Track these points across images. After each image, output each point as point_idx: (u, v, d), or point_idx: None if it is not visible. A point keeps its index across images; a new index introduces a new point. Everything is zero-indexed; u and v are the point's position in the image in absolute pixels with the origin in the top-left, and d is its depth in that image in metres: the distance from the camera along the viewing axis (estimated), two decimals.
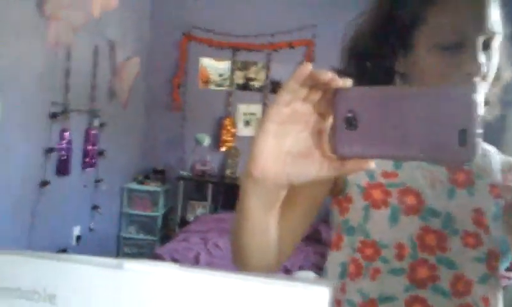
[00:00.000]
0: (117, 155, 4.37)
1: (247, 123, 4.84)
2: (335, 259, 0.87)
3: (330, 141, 0.50)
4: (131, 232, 4.69)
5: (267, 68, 4.78)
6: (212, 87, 4.90)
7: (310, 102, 0.49)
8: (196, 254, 2.82)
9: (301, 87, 0.48)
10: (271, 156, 0.50)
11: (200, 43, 4.83)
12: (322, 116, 0.50)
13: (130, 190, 4.66)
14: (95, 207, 4.01)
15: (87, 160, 3.72)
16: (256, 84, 4.82)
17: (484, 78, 0.72)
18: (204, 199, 4.69)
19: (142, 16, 4.77)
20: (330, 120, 0.50)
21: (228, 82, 4.86)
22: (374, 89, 0.48)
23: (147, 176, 4.75)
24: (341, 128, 0.48)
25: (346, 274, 0.84)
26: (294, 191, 0.56)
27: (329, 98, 0.48)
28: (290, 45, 4.66)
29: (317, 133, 0.51)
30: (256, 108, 4.81)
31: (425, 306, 0.77)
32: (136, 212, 4.65)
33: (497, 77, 0.79)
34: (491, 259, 0.79)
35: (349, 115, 0.47)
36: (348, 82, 0.47)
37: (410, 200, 0.80)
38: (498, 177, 0.84)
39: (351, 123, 0.47)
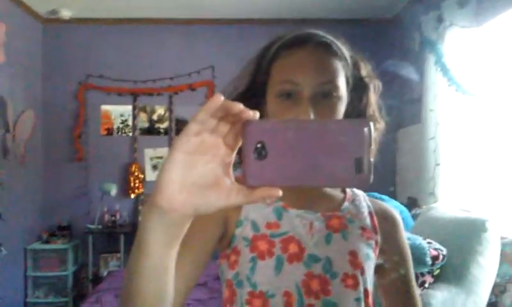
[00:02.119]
0: (16, 215, 4.09)
1: (155, 168, 4.77)
2: None
3: (237, 170, 0.53)
4: (39, 296, 4.36)
5: (169, 111, 4.78)
6: (115, 134, 4.78)
7: (218, 134, 0.51)
8: None
9: (210, 118, 0.49)
10: (178, 186, 0.50)
11: (99, 91, 4.71)
12: (229, 147, 0.52)
13: (35, 251, 4.35)
14: None
15: None
16: (161, 126, 4.79)
17: None
18: (117, 251, 4.50)
19: (33, 68, 4.55)
20: (235, 152, 0.53)
21: (131, 128, 4.78)
22: (281, 122, 0.53)
23: (52, 234, 4.47)
24: (251, 158, 0.50)
25: None
26: (187, 236, 0.56)
27: (237, 131, 0.51)
28: (191, 87, 4.71)
29: (225, 164, 0.52)
30: (163, 151, 4.76)
31: None
32: (43, 273, 4.35)
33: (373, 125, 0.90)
34: (366, 297, 0.86)
35: (259, 146, 0.49)
36: (257, 114, 0.49)
37: (292, 248, 0.84)
38: (367, 220, 0.92)
39: (260, 153, 0.49)
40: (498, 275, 2.30)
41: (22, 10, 4.29)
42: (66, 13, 4.45)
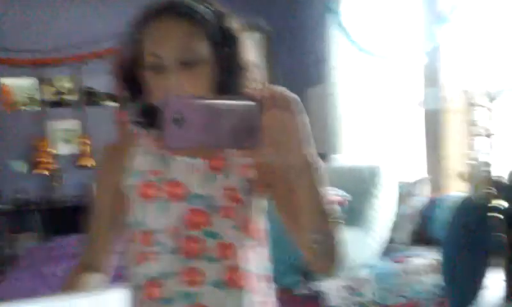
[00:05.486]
0: None
1: (67, 141, 4.63)
2: (128, 253, 1.00)
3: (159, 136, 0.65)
4: None
5: (78, 80, 4.62)
6: (20, 108, 4.56)
7: None
8: (33, 290, 2.67)
9: None
10: None
11: None
12: None
13: None
14: None
15: None
16: (69, 98, 4.63)
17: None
18: (32, 229, 4.36)
19: None
20: None
21: (37, 101, 4.57)
22: (194, 98, 0.68)
23: None
24: (170, 125, 0.63)
25: (134, 263, 0.98)
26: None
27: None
28: (99, 55, 4.58)
29: None
30: (73, 123, 4.62)
31: (201, 273, 0.94)
32: None
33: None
34: (245, 224, 0.99)
35: (176, 116, 0.63)
36: None
37: (178, 190, 0.95)
38: (249, 158, 1.01)
39: (178, 121, 0.63)
40: (397, 214, 2.59)
41: None
42: None
